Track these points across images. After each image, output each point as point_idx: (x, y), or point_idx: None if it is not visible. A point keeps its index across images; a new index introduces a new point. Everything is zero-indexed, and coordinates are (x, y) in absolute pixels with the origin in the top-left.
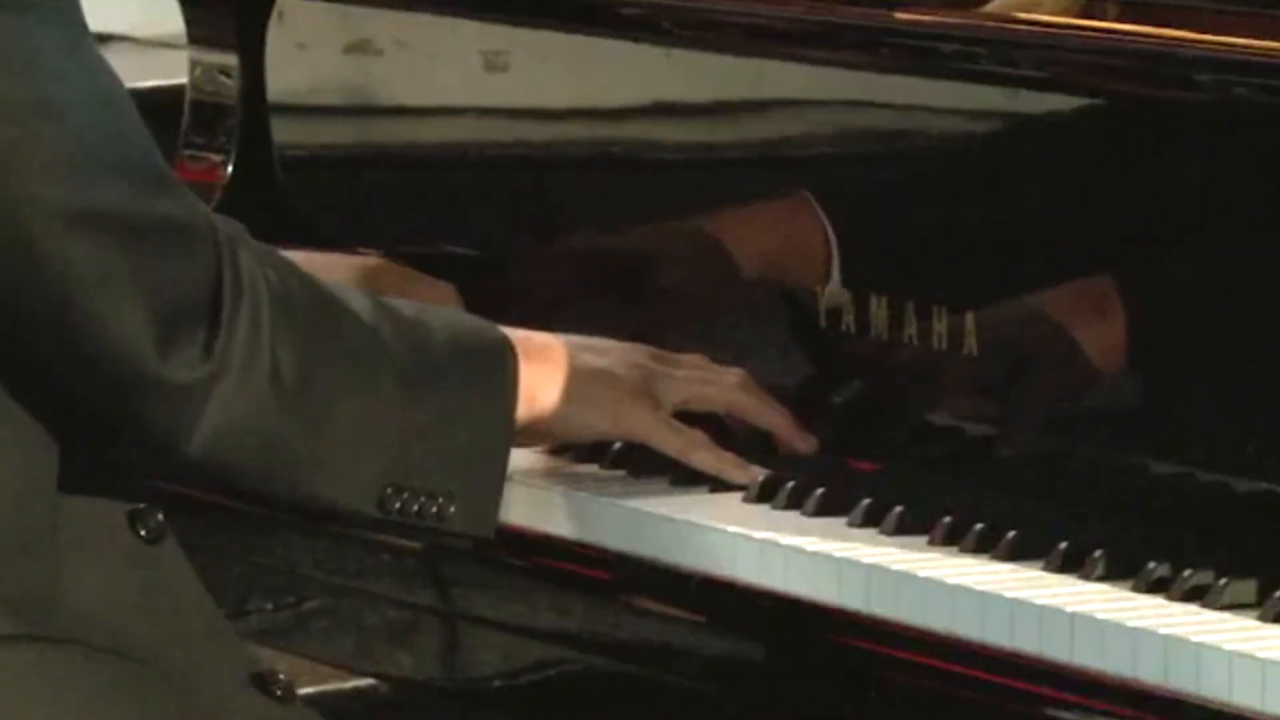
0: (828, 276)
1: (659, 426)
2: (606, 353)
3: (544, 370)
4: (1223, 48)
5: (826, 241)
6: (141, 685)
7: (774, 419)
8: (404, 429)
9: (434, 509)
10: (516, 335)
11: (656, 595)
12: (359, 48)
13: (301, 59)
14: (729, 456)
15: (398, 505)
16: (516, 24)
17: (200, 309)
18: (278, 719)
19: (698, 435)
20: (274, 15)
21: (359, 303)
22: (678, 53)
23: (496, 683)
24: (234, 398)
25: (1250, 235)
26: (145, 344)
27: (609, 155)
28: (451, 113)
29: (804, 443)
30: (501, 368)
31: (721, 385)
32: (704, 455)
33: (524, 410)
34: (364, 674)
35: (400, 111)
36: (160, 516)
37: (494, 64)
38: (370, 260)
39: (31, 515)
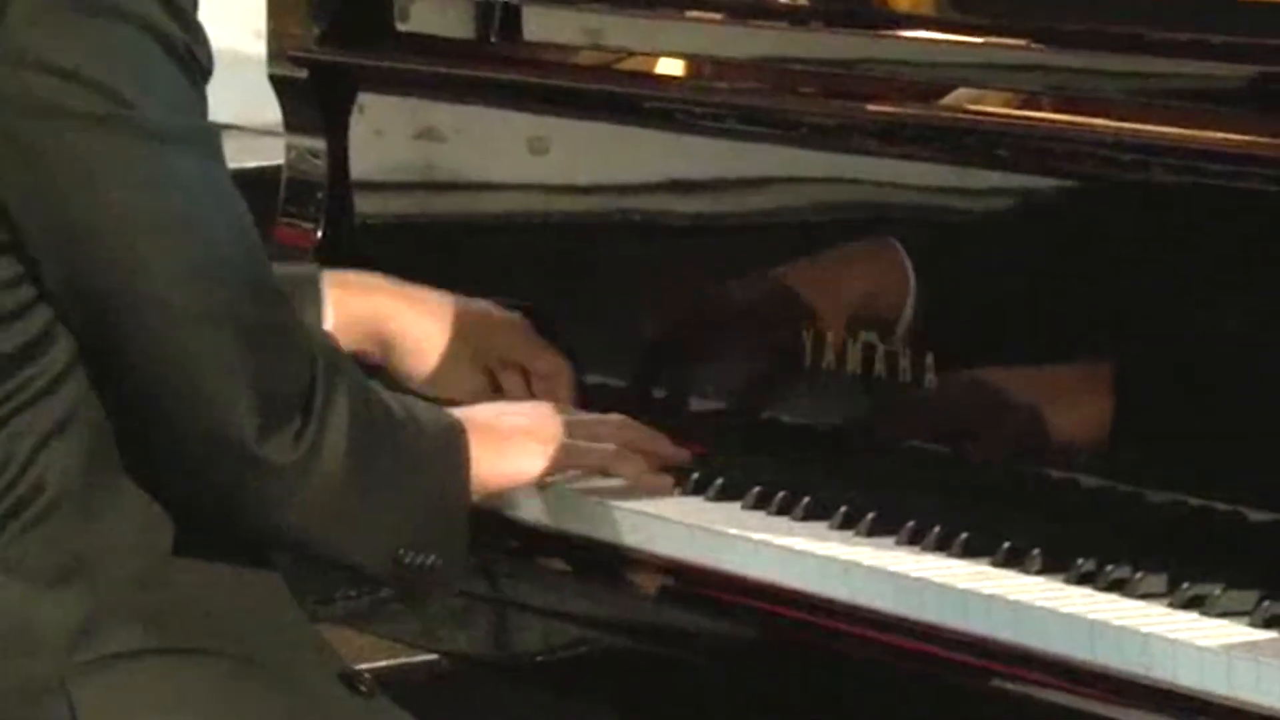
0: (902, 311)
1: (581, 454)
2: (522, 412)
3: (485, 440)
4: (1138, 133)
5: (906, 281)
6: (254, 685)
7: (657, 446)
8: (410, 500)
9: (428, 563)
10: (459, 414)
11: (669, 585)
12: (426, 134)
13: (378, 144)
14: (644, 462)
15: (407, 561)
16: (555, 115)
17: (296, 403)
18: (365, 711)
19: (612, 449)
20: (356, 108)
21: (391, 400)
22: (687, 138)
23: (537, 658)
24: (321, 479)
25: (1162, 283)
26: (250, 428)
27: (630, 223)
28: (501, 188)
29: (685, 457)
30: (459, 447)
31: (612, 424)
32: (624, 465)
33: (475, 474)
34: (428, 651)
35: (459, 187)
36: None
37: (537, 148)
38: (497, 313)
39: (156, 541)
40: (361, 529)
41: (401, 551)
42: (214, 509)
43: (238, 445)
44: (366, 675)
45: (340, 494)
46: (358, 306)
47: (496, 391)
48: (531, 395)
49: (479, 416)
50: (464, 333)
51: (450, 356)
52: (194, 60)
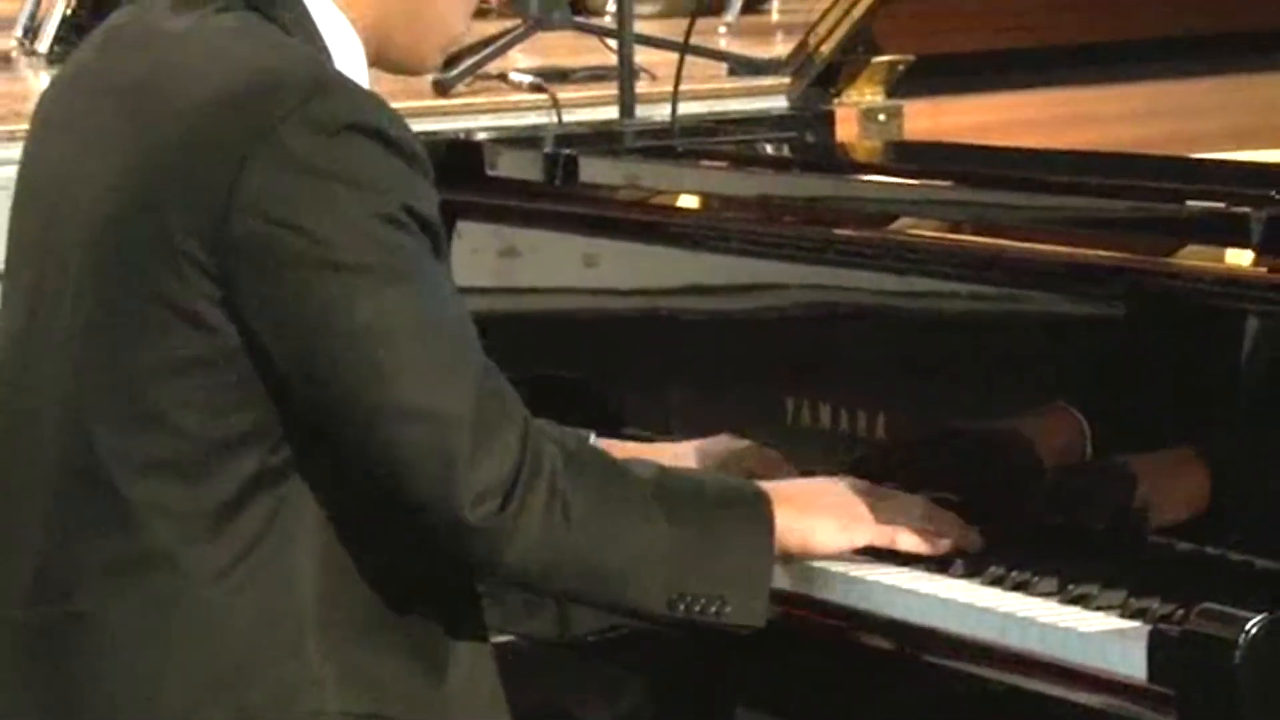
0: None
1: (873, 530)
2: (827, 488)
3: (790, 509)
4: (1036, 253)
5: (1083, 433)
6: None
7: (950, 529)
8: (678, 553)
9: (714, 608)
10: (767, 486)
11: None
12: (507, 253)
13: (473, 258)
14: (922, 538)
15: (683, 606)
16: (603, 237)
17: (505, 471)
18: None
19: (897, 529)
20: (456, 233)
21: (642, 467)
22: (700, 254)
23: (590, 638)
24: (535, 533)
25: (1055, 362)
26: (465, 500)
27: (658, 317)
28: (564, 291)
29: (971, 542)
30: (760, 511)
31: (914, 505)
32: (907, 538)
33: (780, 539)
34: (509, 633)
35: (532, 291)
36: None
37: (590, 261)
38: (732, 443)
39: (392, 604)
40: (613, 574)
41: (676, 596)
42: (444, 560)
43: (453, 515)
44: None
45: (572, 544)
46: None
47: None
48: None
49: (784, 488)
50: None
51: None
52: (409, 213)
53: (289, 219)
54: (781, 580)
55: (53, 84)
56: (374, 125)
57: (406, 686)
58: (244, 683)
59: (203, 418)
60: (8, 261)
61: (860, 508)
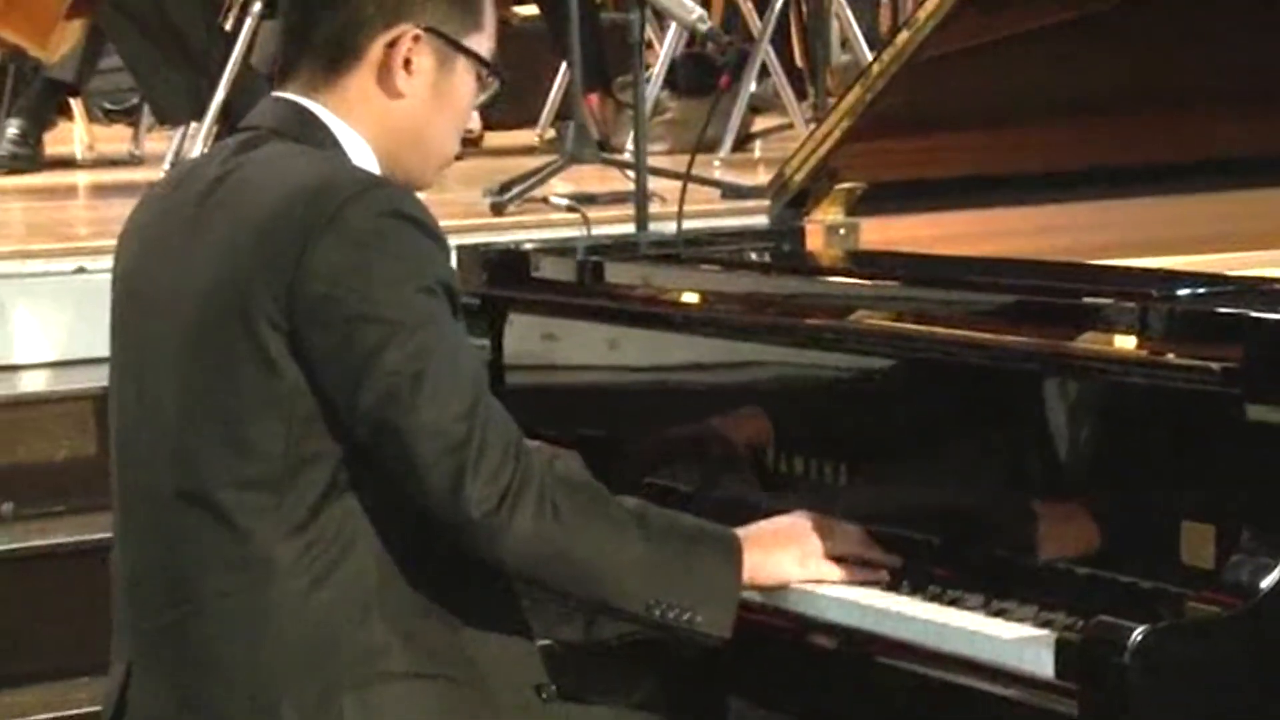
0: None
1: (825, 561)
2: (787, 528)
3: (758, 549)
4: (964, 339)
5: (1003, 481)
6: (474, 705)
7: (880, 553)
8: (654, 566)
9: (685, 617)
10: (739, 531)
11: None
12: (548, 338)
13: (520, 342)
14: (865, 558)
15: (658, 613)
16: (622, 325)
17: (502, 481)
18: (544, 713)
19: (843, 556)
20: (507, 321)
21: (625, 499)
22: (699, 338)
23: (612, 643)
24: (527, 530)
25: (971, 426)
26: (472, 499)
27: (664, 388)
28: (591, 368)
29: (883, 564)
30: (729, 546)
31: (849, 536)
32: (851, 562)
33: (752, 573)
34: (544, 638)
35: (566, 368)
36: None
37: (613, 345)
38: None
39: (432, 586)
40: (596, 575)
41: (652, 603)
42: (460, 549)
43: (458, 512)
44: (552, 687)
45: (544, 542)
46: None
47: None
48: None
49: (751, 531)
50: None
51: None
52: (439, 283)
53: (347, 282)
54: (765, 596)
55: (138, 211)
56: (413, 214)
57: (453, 651)
58: (328, 653)
59: (283, 443)
60: (115, 356)
61: (815, 541)
